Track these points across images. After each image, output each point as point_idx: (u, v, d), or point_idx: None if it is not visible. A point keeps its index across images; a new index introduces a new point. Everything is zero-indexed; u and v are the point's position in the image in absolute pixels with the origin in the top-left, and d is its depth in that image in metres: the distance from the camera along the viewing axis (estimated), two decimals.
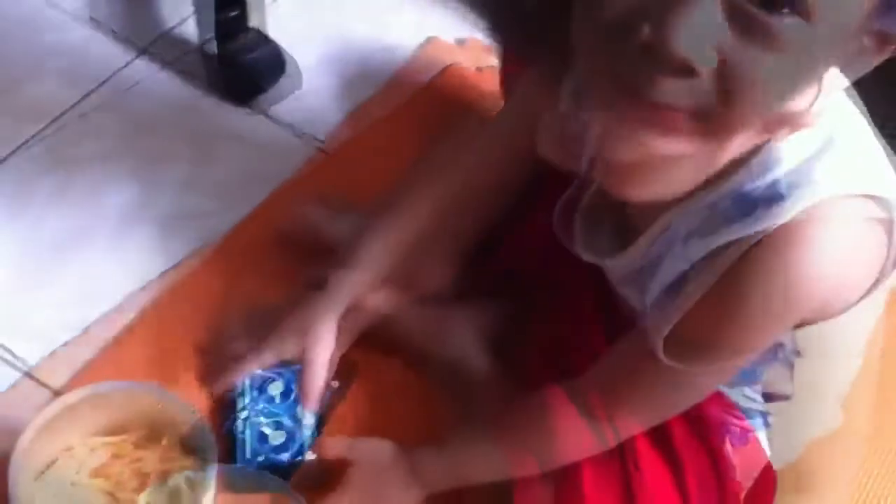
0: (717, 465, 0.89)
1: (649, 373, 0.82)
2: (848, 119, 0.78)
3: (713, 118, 0.66)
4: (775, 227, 0.73)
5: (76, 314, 1.07)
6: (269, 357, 0.98)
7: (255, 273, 1.11)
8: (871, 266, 0.79)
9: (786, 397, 0.91)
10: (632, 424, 0.87)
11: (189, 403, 0.83)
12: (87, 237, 1.13)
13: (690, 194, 0.77)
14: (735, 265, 0.75)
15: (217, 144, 1.23)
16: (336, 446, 0.94)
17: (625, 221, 0.88)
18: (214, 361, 1.01)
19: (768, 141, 0.73)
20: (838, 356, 0.90)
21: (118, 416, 0.87)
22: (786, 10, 0.62)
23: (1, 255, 1.11)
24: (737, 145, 0.72)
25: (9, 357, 1.03)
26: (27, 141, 1.20)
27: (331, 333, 0.97)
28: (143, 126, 1.24)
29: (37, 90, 1.25)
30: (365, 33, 1.37)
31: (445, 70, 1.34)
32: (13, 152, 1.19)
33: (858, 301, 0.81)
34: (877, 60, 0.69)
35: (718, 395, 0.91)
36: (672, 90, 0.64)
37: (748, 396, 0.92)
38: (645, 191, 0.75)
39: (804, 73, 0.67)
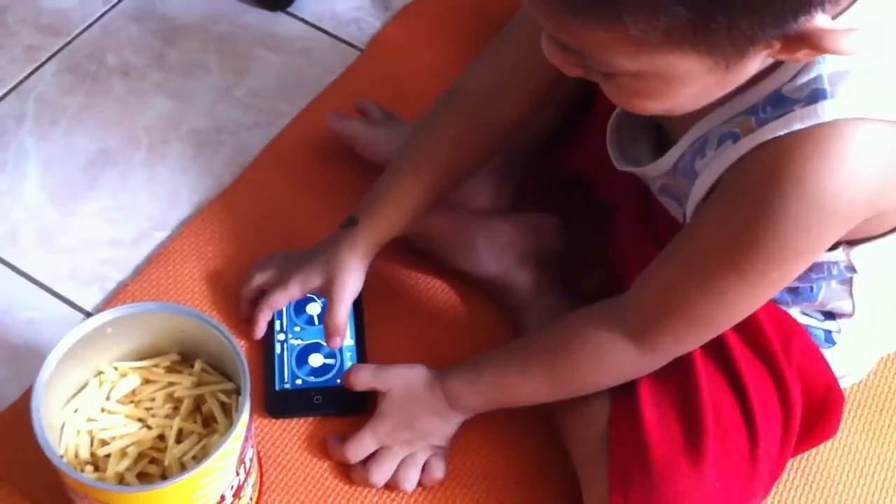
0: (779, 382, 0.84)
1: (693, 284, 0.77)
2: None
3: None
4: (810, 128, 0.67)
5: (108, 234, 1.05)
6: (295, 291, 0.94)
7: (293, 190, 1.07)
8: None
9: (848, 315, 0.86)
10: (679, 343, 0.81)
11: (222, 324, 0.79)
12: (117, 155, 1.10)
13: (723, 100, 0.71)
14: (764, 170, 0.70)
15: (250, 52, 1.19)
16: (364, 376, 0.90)
17: (659, 128, 0.83)
18: (244, 294, 0.97)
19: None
20: None
21: (150, 338, 0.83)
22: None
23: (31, 174, 1.08)
24: (753, 66, 0.66)
25: (42, 278, 1.01)
26: (54, 54, 1.16)
27: (358, 274, 0.93)
28: (172, 36, 1.19)
29: (61, 2, 1.20)
30: None
31: None
32: (38, 67, 1.15)
33: None
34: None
35: (776, 311, 0.86)
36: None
37: (807, 314, 0.87)
38: (654, 106, 0.70)
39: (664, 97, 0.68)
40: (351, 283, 0.93)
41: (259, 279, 0.96)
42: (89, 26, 1.19)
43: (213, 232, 1.04)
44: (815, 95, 0.67)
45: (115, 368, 0.83)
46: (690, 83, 0.66)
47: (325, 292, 0.93)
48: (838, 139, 0.67)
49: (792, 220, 0.70)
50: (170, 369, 0.84)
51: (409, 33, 1.21)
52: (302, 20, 1.21)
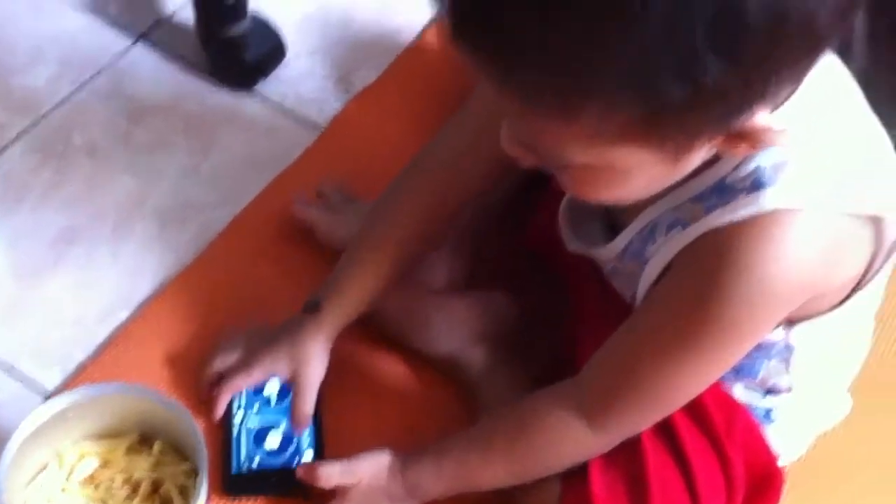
0: (723, 461, 0.87)
1: (644, 365, 0.80)
2: (847, 125, 0.76)
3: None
4: (753, 217, 0.71)
5: (73, 312, 1.06)
6: (259, 377, 0.96)
7: (255, 268, 1.09)
8: (856, 263, 0.78)
9: (786, 391, 0.89)
10: (634, 423, 0.84)
11: (182, 406, 0.81)
12: (84, 233, 1.12)
13: (671, 188, 0.75)
14: (713, 255, 0.73)
15: (215, 131, 1.21)
16: (332, 476, 0.90)
17: (610, 213, 0.86)
18: (205, 377, 0.99)
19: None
20: (838, 348, 0.88)
21: (110, 419, 0.85)
22: None
23: None
24: (698, 158, 0.70)
25: (4, 356, 1.02)
26: (22, 132, 1.18)
27: (323, 360, 0.96)
28: (140, 114, 1.22)
29: (32, 80, 1.23)
30: (366, 16, 1.34)
31: (431, 27, 1.31)
32: (8, 144, 1.17)
33: (849, 297, 0.80)
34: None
35: (719, 390, 0.88)
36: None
37: (749, 391, 0.90)
38: (604, 196, 0.73)
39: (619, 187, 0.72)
40: (317, 371, 0.95)
41: (221, 363, 0.98)
42: (57, 106, 1.21)
43: (174, 310, 1.06)
44: (756, 185, 0.71)
45: (75, 450, 0.85)
46: (640, 174, 0.70)
47: (292, 380, 0.95)
48: (779, 227, 0.71)
49: (738, 305, 0.73)
50: (129, 450, 0.86)
51: (368, 113, 1.25)
52: (266, 100, 1.24)
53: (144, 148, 1.19)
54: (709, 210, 0.73)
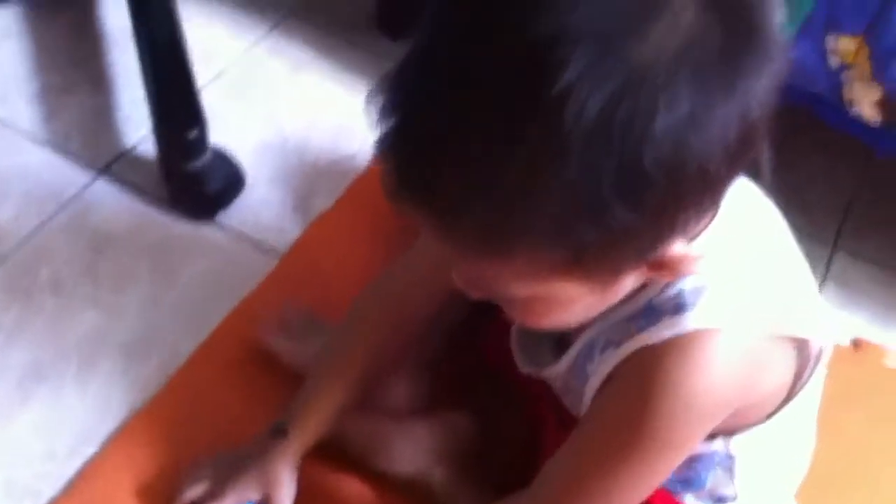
0: None
1: (587, 478, 0.84)
2: (768, 239, 0.82)
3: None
4: (676, 336, 0.76)
5: (42, 448, 1.08)
6: (231, 502, 0.98)
7: (221, 395, 1.12)
8: (780, 376, 0.83)
9: (732, 499, 0.92)
10: None
11: None
12: (50, 370, 1.14)
13: (607, 311, 0.80)
14: (641, 373, 0.79)
15: (178, 261, 1.25)
16: None
17: (557, 334, 0.91)
18: None
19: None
20: (780, 455, 0.93)
21: None
22: None
23: None
24: (627, 284, 0.76)
25: None
26: None
27: (292, 483, 0.99)
28: (104, 246, 1.25)
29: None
30: (322, 142, 1.38)
31: None
32: None
33: (778, 410, 0.85)
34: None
35: (671, 501, 0.92)
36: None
37: (700, 501, 0.93)
38: (547, 322, 0.79)
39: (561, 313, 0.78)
40: (289, 493, 0.98)
41: (192, 492, 1.00)
42: (22, 242, 1.24)
43: (142, 442, 1.07)
44: (679, 308, 0.77)
45: None
46: (576, 303, 0.75)
47: (261, 499, 0.98)
48: (700, 346, 0.76)
49: (666, 419, 0.78)
50: None
51: (327, 237, 1.29)
52: (227, 229, 1.28)
53: (109, 281, 1.22)
54: (638, 330, 0.79)
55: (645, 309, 0.78)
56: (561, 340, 0.91)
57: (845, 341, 1.20)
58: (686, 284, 0.77)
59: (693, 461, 0.86)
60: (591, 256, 0.68)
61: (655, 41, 0.63)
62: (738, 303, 0.77)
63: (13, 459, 1.06)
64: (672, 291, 0.77)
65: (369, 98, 0.69)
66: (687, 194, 0.68)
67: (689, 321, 0.76)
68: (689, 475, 0.90)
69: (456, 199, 0.66)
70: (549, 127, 0.63)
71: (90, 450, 1.08)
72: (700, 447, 0.85)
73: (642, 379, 0.78)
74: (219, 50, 1.47)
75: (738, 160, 0.69)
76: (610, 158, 0.63)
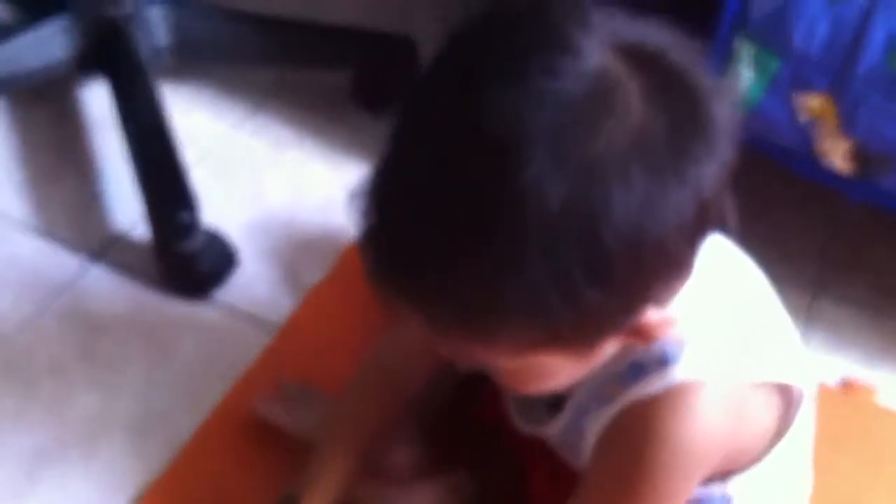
0: None
1: None
2: (745, 291, 0.87)
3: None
4: (664, 389, 0.81)
5: None
6: None
7: (226, 470, 1.13)
8: (767, 419, 0.88)
9: None
10: None
11: None
12: (54, 452, 1.15)
13: (595, 372, 0.83)
14: (633, 426, 0.83)
15: (173, 341, 1.26)
16: None
17: (548, 398, 0.94)
18: None
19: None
20: (777, 495, 0.95)
21: None
22: None
23: None
24: (608, 350, 0.80)
25: None
26: None
27: None
28: (100, 330, 1.27)
29: None
30: (308, 217, 1.41)
31: None
32: None
33: (767, 451, 0.89)
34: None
35: None
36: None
37: None
38: (534, 389, 0.83)
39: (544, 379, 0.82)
40: None
41: None
42: (19, 330, 1.26)
43: None
44: (663, 362, 0.81)
45: None
46: (558, 372, 0.80)
47: None
48: (687, 397, 0.81)
49: (660, 467, 0.82)
50: None
51: (320, 309, 1.31)
52: (221, 307, 1.30)
53: (106, 363, 1.23)
54: (626, 387, 0.83)
55: (630, 367, 0.83)
56: (555, 399, 0.94)
57: (834, 382, 1.23)
58: (667, 341, 0.81)
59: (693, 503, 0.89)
60: (567, 334, 0.73)
61: (607, 136, 0.68)
62: (717, 355, 0.82)
63: None
64: (655, 349, 0.81)
65: (350, 199, 0.74)
66: (651, 270, 0.72)
67: (676, 374, 0.81)
68: None
69: (434, 292, 0.71)
70: (514, 222, 0.67)
71: None
72: (697, 491, 0.88)
73: (635, 432, 0.83)
74: (201, 134, 1.50)
75: (697, 235, 0.74)
76: (574, 246, 0.68)
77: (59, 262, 1.34)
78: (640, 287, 0.72)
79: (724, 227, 0.85)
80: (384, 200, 0.72)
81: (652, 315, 0.75)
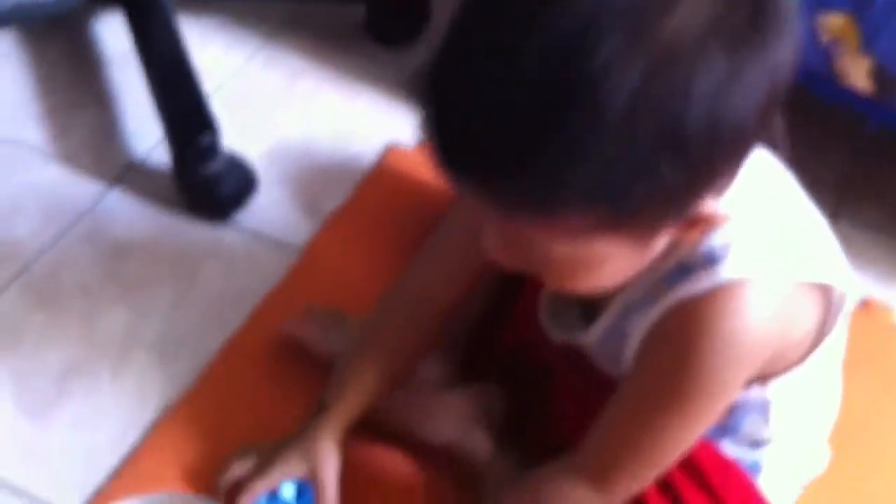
0: None
1: (635, 433, 0.88)
2: (786, 198, 0.88)
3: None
4: (713, 287, 0.81)
5: (82, 443, 1.10)
6: (278, 477, 1.01)
7: (254, 388, 1.15)
8: (809, 321, 0.88)
9: (767, 442, 0.97)
10: (633, 481, 0.91)
11: None
12: (83, 366, 1.16)
13: (639, 276, 0.84)
14: (681, 325, 0.83)
15: (197, 264, 1.27)
16: None
17: (586, 302, 0.95)
18: (222, 485, 1.03)
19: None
20: (811, 400, 0.97)
21: None
22: None
23: (3, 392, 1.13)
24: (660, 244, 0.80)
25: (17, 490, 1.05)
26: (12, 280, 1.23)
27: (337, 457, 1.02)
28: (124, 254, 1.28)
29: (14, 230, 1.28)
30: (324, 146, 1.42)
31: (388, 149, 1.41)
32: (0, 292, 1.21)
33: (807, 355, 0.90)
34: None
35: (710, 449, 0.96)
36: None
37: (736, 446, 0.98)
38: (583, 285, 0.82)
39: (595, 276, 0.81)
40: (334, 466, 1.01)
41: (239, 469, 1.02)
42: (42, 253, 1.26)
43: (184, 429, 1.10)
44: (711, 261, 0.82)
45: None
46: (612, 263, 0.79)
47: (312, 480, 1.00)
48: (735, 294, 0.81)
49: (709, 365, 0.83)
50: None
51: (340, 234, 1.32)
52: (243, 230, 1.31)
53: (131, 284, 1.24)
54: (673, 287, 0.83)
55: (676, 268, 0.83)
56: (590, 308, 0.95)
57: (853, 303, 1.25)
58: (714, 241, 0.82)
59: (731, 408, 0.91)
60: (633, 213, 0.73)
61: (686, 15, 0.68)
62: (763, 253, 0.82)
63: (57, 453, 1.08)
64: (702, 249, 0.82)
65: (412, 81, 0.74)
66: (724, 151, 0.73)
67: (723, 272, 0.81)
68: (726, 422, 0.94)
69: (503, 165, 0.71)
70: (592, 98, 0.67)
71: (131, 440, 1.10)
72: (738, 395, 0.89)
73: (683, 330, 0.83)
74: (216, 66, 1.50)
75: (767, 119, 0.75)
76: (652, 122, 0.68)
77: (79, 188, 1.34)
78: (709, 168, 0.73)
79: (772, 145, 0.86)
80: (452, 71, 0.72)
81: (709, 205, 0.76)
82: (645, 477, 0.91)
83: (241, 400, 1.13)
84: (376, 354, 1.04)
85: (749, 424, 0.95)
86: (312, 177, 1.39)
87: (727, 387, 0.85)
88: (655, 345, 0.86)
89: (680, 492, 0.94)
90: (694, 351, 0.82)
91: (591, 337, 0.95)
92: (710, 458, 0.96)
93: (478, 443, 1.07)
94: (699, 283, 0.82)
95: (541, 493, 0.94)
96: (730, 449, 0.97)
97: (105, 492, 1.04)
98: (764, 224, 0.84)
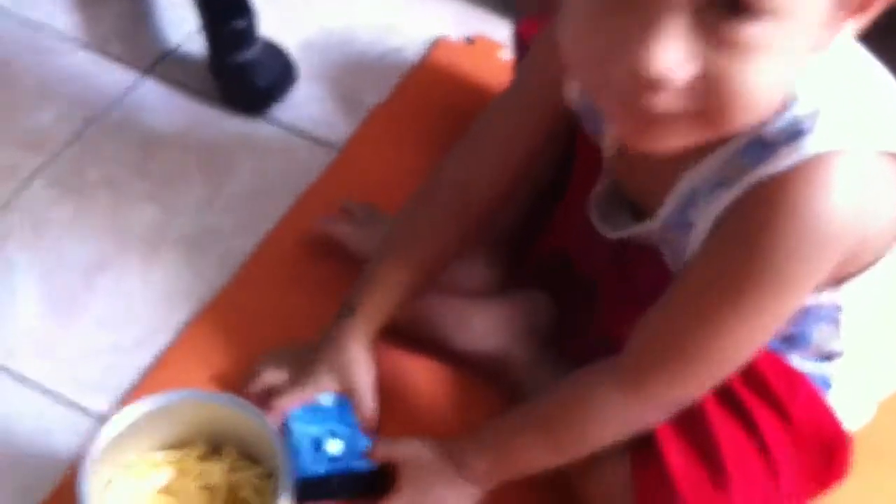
0: (790, 426, 0.88)
1: (689, 326, 0.80)
2: (866, 65, 0.79)
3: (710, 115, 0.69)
4: (797, 163, 0.73)
5: (110, 340, 1.05)
6: (309, 394, 0.96)
7: (287, 288, 1.10)
8: (890, 215, 0.79)
9: (839, 354, 0.90)
10: (674, 386, 0.83)
11: (256, 409, 0.80)
12: (111, 261, 1.11)
13: (709, 150, 0.77)
14: (760, 206, 0.75)
15: (231, 158, 1.22)
16: (379, 450, 0.93)
17: (645, 194, 0.87)
18: (253, 391, 0.98)
19: None
20: (887, 308, 0.89)
21: (179, 428, 0.85)
22: (751, 18, 0.65)
23: (27, 287, 1.09)
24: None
25: (47, 387, 1.01)
26: (37, 170, 1.18)
27: (368, 363, 0.97)
28: (154, 146, 1.22)
29: (41, 119, 1.23)
30: (367, 37, 1.35)
31: (435, 44, 1.34)
32: (25, 183, 1.16)
33: (885, 251, 0.81)
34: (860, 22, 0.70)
35: (776, 360, 0.89)
36: (662, 101, 0.68)
37: (805, 359, 0.90)
38: (670, 141, 0.73)
39: (784, 67, 0.69)
40: (367, 372, 0.96)
41: (269, 377, 0.98)
42: (69, 143, 1.21)
43: (214, 332, 1.05)
44: (796, 134, 0.73)
45: (147, 461, 0.84)
46: (802, 35, 0.68)
47: (345, 391, 0.96)
48: (822, 169, 0.73)
49: (785, 250, 0.75)
50: (201, 458, 0.84)
51: (382, 130, 1.26)
52: (279, 124, 1.25)
53: (162, 178, 1.19)
54: (753, 165, 0.75)
55: (754, 142, 0.75)
56: (643, 205, 0.88)
57: None
58: (798, 110, 0.74)
59: (799, 316, 0.83)
60: None
61: None
62: (854, 123, 0.74)
63: (85, 351, 1.04)
64: (784, 120, 0.74)
65: None
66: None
67: (809, 146, 0.73)
68: (793, 332, 0.87)
69: None
70: None
71: (161, 339, 1.05)
72: (807, 298, 0.81)
73: (762, 211, 0.75)
74: None
75: None
76: None
77: (109, 76, 1.28)
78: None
79: None
80: None
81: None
82: (689, 385, 0.83)
83: (274, 300, 1.08)
84: (408, 251, 0.98)
85: (818, 334, 0.88)
86: (352, 71, 1.32)
87: (802, 280, 0.77)
88: (725, 231, 0.78)
89: (742, 402, 0.87)
90: (770, 234, 0.74)
91: (650, 228, 0.87)
92: (775, 370, 0.89)
93: (519, 353, 1.01)
94: (782, 161, 0.73)
95: (564, 392, 0.88)
96: (797, 362, 0.90)
97: (132, 393, 1.00)
98: (849, 90, 0.76)
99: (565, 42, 0.73)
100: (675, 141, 0.73)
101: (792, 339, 0.88)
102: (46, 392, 1.01)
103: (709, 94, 0.68)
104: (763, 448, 0.86)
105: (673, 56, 0.66)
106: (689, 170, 0.80)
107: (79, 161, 1.19)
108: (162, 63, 1.30)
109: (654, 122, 0.71)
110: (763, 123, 0.74)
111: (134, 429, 0.81)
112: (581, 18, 0.71)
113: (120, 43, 1.32)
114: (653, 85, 0.67)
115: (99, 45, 1.31)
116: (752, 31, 0.66)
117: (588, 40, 0.70)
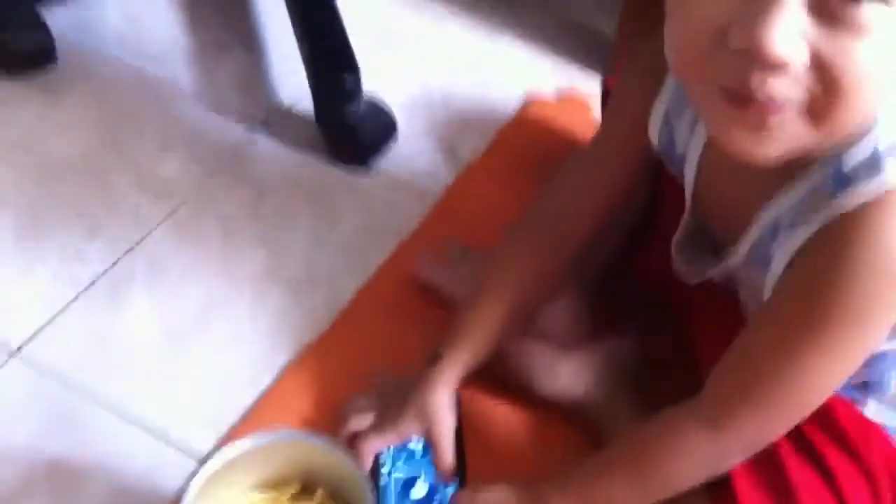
0: (866, 472, 0.89)
1: (767, 362, 0.81)
2: None
3: (819, 106, 0.69)
4: (878, 195, 0.74)
5: (219, 381, 1.12)
6: (392, 438, 0.99)
7: (388, 330, 1.15)
8: None
9: None
10: (755, 425, 0.84)
11: (347, 450, 0.85)
12: (224, 305, 1.18)
13: (790, 180, 0.78)
14: (839, 238, 0.76)
15: (336, 207, 1.29)
16: (464, 499, 0.95)
17: (727, 230, 0.89)
18: (342, 435, 1.01)
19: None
20: None
21: (273, 468, 0.89)
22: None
23: (146, 328, 1.16)
24: None
25: (157, 425, 1.08)
26: (162, 217, 1.26)
27: (451, 410, 0.99)
28: (266, 194, 1.30)
29: (167, 168, 1.31)
30: (466, 93, 1.42)
31: (528, 99, 1.40)
32: (149, 233, 1.25)
33: None
34: None
35: (852, 409, 0.91)
36: (772, 86, 0.68)
37: (882, 409, 0.92)
38: (773, 143, 0.73)
39: (894, 59, 0.68)
40: (448, 423, 0.99)
41: (355, 424, 1.01)
42: (191, 193, 1.29)
43: (314, 373, 1.11)
44: (875, 167, 0.74)
45: (243, 499, 0.89)
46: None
47: (427, 437, 0.99)
48: None
49: (863, 286, 0.75)
50: (293, 498, 0.89)
51: (478, 181, 1.32)
52: (381, 176, 1.32)
53: (272, 223, 1.26)
54: (831, 197, 0.76)
55: (834, 177, 0.76)
56: (724, 243, 0.90)
57: None
58: (878, 143, 0.75)
59: (874, 360, 0.84)
60: None
61: None
62: None
63: (194, 389, 1.11)
64: (864, 152, 0.75)
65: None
66: None
67: (891, 178, 0.74)
68: (870, 377, 0.88)
69: None
70: None
71: (266, 379, 1.12)
72: (882, 344, 0.82)
73: (838, 246, 0.76)
74: (361, 7, 1.50)
75: None
76: None
77: (225, 129, 1.36)
78: None
79: None
80: None
81: None
82: (769, 422, 0.84)
83: (375, 342, 1.14)
84: (497, 296, 1.01)
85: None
86: (452, 125, 1.39)
87: (876, 319, 0.77)
88: (801, 268, 0.79)
89: (817, 448, 0.89)
90: (846, 270, 0.75)
91: (731, 265, 0.88)
92: (850, 418, 0.90)
93: (603, 400, 1.04)
94: (861, 193, 0.74)
95: (647, 435, 0.89)
96: (873, 411, 0.92)
97: (233, 432, 1.06)
98: None
99: (674, 37, 0.74)
100: (778, 144, 0.72)
101: (869, 386, 0.90)
102: (155, 431, 1.07)
103: (820, 81, 0.68)
104: (838, 495, 0.87)
105: (793, 34, 0.66)
106: (770, 201, 0.81)
107: (199, 210, 1.28)
108: (275, 118, 1.38)
109: (763, 111, 0.70)
110: (846, 150, 0.75)
111: (231, 467, 0.85)
112: (693, 6, 0.71)
113: (234, 97, 1.40)
114: (771, 63, 0.67)
115: (215, 99, 1.40)
116: (870, 14, 0.66)
117: (701, 22, 0.70)
